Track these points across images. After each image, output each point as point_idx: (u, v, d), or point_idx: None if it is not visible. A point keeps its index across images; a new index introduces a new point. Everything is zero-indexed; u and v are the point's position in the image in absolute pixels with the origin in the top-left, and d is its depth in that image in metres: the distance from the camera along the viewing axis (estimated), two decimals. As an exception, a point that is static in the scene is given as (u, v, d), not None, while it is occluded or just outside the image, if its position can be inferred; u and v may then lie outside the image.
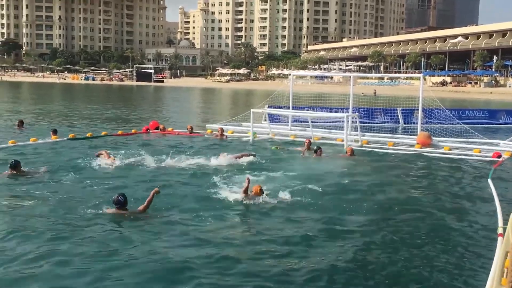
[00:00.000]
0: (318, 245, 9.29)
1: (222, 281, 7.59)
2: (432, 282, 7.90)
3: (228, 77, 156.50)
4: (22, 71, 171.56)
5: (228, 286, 7.51)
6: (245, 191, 11.87)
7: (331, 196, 12.83)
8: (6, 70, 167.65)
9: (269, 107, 29.26)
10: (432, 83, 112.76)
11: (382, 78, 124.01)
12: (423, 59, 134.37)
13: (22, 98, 66.93)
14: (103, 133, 24.25)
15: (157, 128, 26.23)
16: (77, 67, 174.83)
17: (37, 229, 9.59)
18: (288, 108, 28.60)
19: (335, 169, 16.57)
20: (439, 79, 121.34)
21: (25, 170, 14.43)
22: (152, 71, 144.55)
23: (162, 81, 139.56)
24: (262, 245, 9.06)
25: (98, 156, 16.52)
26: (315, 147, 18.71)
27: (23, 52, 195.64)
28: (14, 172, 14.08)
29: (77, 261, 8.15)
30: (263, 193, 11.94)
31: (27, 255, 8.32)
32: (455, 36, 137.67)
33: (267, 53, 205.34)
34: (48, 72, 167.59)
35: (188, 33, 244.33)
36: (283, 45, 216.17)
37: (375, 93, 68.66)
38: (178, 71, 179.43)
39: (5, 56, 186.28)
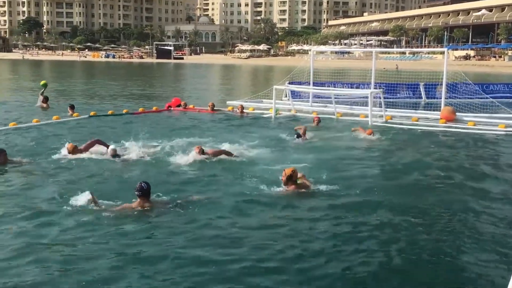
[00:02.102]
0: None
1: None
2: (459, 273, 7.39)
3: (247, 54, 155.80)
4: (43, 49, 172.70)
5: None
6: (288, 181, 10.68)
7: (358, 179, 12.41)
8: (28, 49, 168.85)
9: (289, 83, 29.03)
10: (455, 57, 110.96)
11: (404, 53, 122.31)
12: (445, 33, 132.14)
13: (45, 76, 67.42)
14: (124, 111, 24.34)
15: (179, 105, 26.27)
16: (97, 45, 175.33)
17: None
18: (309, 84, 28.38)
19: (357, 148, 16.42)
20: (462, 53, 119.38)
21: (13, 160, 13.31)
22: (171, 48, 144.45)
23: (182, 58, 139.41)
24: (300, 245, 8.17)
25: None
26: (296, 132, 17.25)
27: (44, 30, 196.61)
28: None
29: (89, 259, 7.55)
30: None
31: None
32: (478, 9, 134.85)
33: (287, 28, 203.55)
34: (69, 50, 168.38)
35: (207, 9, 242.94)
36: (303, 20, 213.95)
37: (397, 67, 67.79)
38: (198, 48, 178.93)
39: (26, 35, 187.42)
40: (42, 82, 25.41)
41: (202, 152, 13.50)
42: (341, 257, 7.74)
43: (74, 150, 13.76)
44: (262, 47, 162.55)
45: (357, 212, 9.70)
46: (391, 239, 8.46)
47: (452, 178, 12.61)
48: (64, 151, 13.91)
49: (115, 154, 13.47)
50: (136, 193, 9.43)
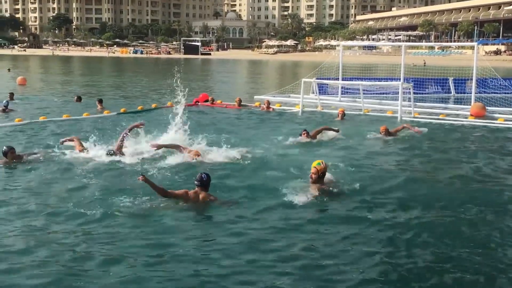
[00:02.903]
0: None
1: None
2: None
3: (275, 49, 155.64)
4: (73, 45, 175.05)
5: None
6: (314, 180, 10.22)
7: (383, 175, 12.30)
8: (58, 45, 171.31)
9: (317, 79, 28.94)
10: (485, 52, 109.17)
11: (433, 48, 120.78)
12: (476, 28, 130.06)
13: (75, 72, 68.36)
14: (153, 105, 24.56)
15: (206, 100, 26.43)
16: (125, 41, 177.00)
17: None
18: (337, 79, 28.24)
19: (382, 144, 16.28)
20: (493, 48, 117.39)
21: (21, 155, 13.02)
22: (199, 43, 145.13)
23: (209, 54, 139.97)
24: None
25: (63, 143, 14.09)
26: (302, 131, 16.30)
27: (74, 26, 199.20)
28: (7, 160, 12.64)
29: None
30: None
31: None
32: (510, 3, 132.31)
33: (314, 24, 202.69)
34: (98, 46, 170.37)
35: (235, 5, 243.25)
36: (331, 15, 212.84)
37: (424, 63, 67.02)
38: (225, 43, 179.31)
39: (56, 31, 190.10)
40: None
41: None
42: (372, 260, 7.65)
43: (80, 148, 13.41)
44: (289, 42, 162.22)
45: (383, 210, 9.58)
46: (420, 239, 8.37)
47: (482, 175, 12.45)
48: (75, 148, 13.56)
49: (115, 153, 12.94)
50: (195, 183, 9.58)
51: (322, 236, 8.30)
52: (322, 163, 10.26)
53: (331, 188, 10.28)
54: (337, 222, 8.94)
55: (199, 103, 26.06)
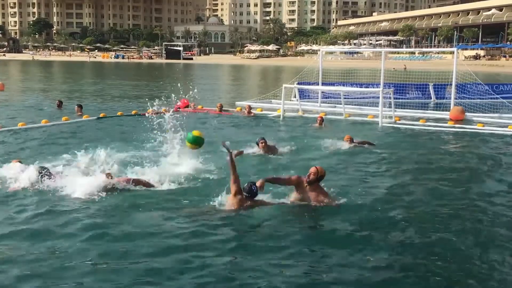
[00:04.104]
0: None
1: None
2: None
3: (257, 54, 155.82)
4: (53, 50, 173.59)
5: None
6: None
7: (364, 181, 12.36)
8: (38, 50, 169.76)
9: (298, 83, 28.99)
10: (465, 57, 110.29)
11: (414, 53, 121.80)
12: (455, 33, 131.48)
13: (55, 77, 67.76)
14: (133, 112, 24.41)
15: (187, 106, 26.30)
16: (107, 46, 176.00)
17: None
18: (318, 84, 28.32)
19: (362, 150, 16.27)
20: (472, 52, 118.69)
21: None
22: (181, 48, 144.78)
23: (191, 59, 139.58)
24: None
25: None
26: (257, 140, 14.73)
27: (54, 31, 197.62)
28: None
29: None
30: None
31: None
32: (488, 8, 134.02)
33: (296, 28, 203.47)
34: (78, 51, 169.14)
35: (217, 9, 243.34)
36: (312, 20, 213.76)
37: (405, 68, 67.53)
38: (207, 48, 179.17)
39: (37, 36, 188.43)
40: None
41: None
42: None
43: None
44: (271, 47, 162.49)
45: (368, 213, 9.62)
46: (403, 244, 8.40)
47: (460, 180, 12.53)
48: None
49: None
50: (244, 194, 9.46)
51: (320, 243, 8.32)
52: (323, 170, 10.01)
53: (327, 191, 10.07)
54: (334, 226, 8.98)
55: (180, 109, 25.91)
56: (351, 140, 16.05)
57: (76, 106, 24.22)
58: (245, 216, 9.24)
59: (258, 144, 14.49)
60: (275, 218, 9.23)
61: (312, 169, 9.85)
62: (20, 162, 12.04)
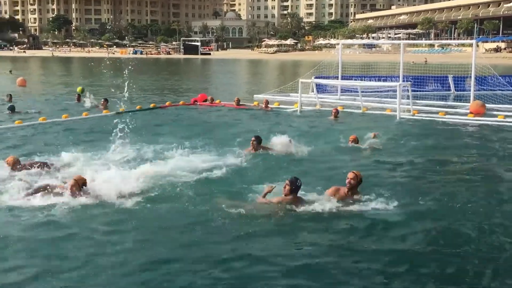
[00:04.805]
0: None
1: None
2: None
3: (274, 48, 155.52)
4: (73, 46, 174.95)
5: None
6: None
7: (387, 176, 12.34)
8: (57, 46, 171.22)
9: (316, 77, 28.90)
10: (485, 49, 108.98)
11: (433, 46, 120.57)
12: (475, 25, 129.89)
13: (75, 72, 68.36)
14: (151, 105, 24.55)
15: (205, 100, 26.42)
16: (125, 42, 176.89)
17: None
18: (336, 78, 28.21)
19: (381, 143, 16.16)
20: (493, 45, 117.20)
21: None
22: (198, 43, 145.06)
23: (209, 54, 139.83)
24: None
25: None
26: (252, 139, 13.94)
27: (73, 27, 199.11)
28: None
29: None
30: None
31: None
32: (509, 0, 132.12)
33: (313, 23, 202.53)
34: (97, 47, 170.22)
35: (234, 4, 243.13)
36: (330, 14, 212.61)
37: (425, 61, 66.93)
38: (225, 43, 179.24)
39: (56, 32, 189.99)
40: (79, 89, 25.29)
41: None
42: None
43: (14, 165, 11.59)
44: (289, 41, 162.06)
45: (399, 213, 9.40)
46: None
47: (480, 174, 12.40)
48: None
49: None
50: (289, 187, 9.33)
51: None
52: (359, 174, 9.97)
53: (366, 196, 9.86)
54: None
55: (197, 103, 26.04)
56: (356, 141, 15.23)
57: (102, 100, 24.49)
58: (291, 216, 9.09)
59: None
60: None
61: (350, 174, 9.80)
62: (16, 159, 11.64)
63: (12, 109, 22.21)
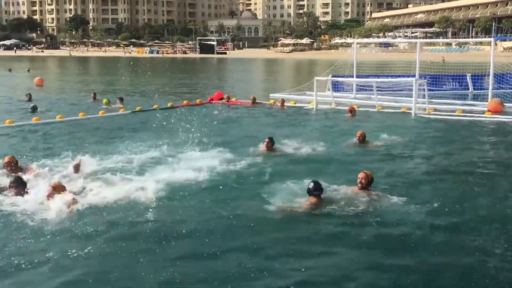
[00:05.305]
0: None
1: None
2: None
3: (290, 47, 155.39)
4: (90, 45, 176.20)
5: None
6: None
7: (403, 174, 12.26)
8: (75, 46, 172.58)
9: (332, 76, 28.84)
10: (504, 48, 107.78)
11: (450, 44, 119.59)
12: (494, 24, 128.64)
13: (91, 72, 68.86)
14: (169, 104, 24.66)
15: (221, 98, 26.51)
16: (141, 41, 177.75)
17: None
18: (352, 77, 28.13)
19: (397, 141, 16.07)
20: (511, 44, 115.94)
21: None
22: (214, 43, 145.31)
23: (225, 53, 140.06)
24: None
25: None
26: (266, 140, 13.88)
27: (90, 27, 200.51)
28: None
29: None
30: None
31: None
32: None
33: (330, 22, 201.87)
34: (114, 47, 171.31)
35: (250, 4, 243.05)
36: (346, 13, 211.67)
37: (443, 60, 66.39)
38: (241, 42, 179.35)
39: (73, 32, 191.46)
40: (105, 101, 25.31)
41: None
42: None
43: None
44: (305, 41, 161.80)
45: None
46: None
47: (497, 172, 12.31)
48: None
49: None
50: (314, 193, 9.25)
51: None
52: (370, 173, 10.07)
53: (380, 194, 9.88)
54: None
55: (213, 101, 26.13)
56: (363, 138, 14.99)
57: (117, 99, 24.77)
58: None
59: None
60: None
61: (361, 175, 9.90)
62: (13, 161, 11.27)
63: (34, 109, 22.61)
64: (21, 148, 14.19)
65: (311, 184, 9.31)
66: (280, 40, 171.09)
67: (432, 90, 26.33)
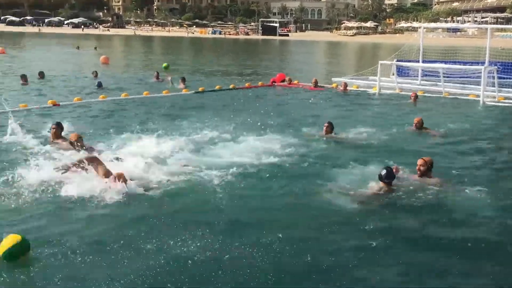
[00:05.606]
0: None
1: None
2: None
3: (354, 31, 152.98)
4: (154, 25, 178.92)
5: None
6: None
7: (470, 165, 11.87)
8: (139, 25, 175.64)
9: (397, 61, 28.19)
10: None
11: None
12: None
13: (156, 51, 70.01)
14: (231, 86, 24.78)
15: (283, 81, 26.44)
16: (204, 22, 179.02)
17: None
18: (418, 62, 27.41)
19: (464, 129, 15.59)
20: None
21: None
22: (277, 24, 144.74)
23: (287, 35, 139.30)
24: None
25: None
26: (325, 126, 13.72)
27: (155, 7, 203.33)
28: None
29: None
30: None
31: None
32: None
33: (395, 5, 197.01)
34: (177, 27, 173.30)
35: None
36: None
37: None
38: (303, 24, 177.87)
39: (138, 11, 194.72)
40: (164, 65, 25.79)
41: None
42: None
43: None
44: (369, 24, 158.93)
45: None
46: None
47: None
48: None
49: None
50: (385, 180, 9.11)
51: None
52: (429, 158, 9.84)
53: (440, 180, 9.63)
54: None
55: (275, 83, 26.08)
56: (421, 125, 14.66)
57: (180, 79, 25.10)
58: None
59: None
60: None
61: (420, 161, 9.71)
62: (79, 137, 11.45)
63: (99, 85, 23.59)
64: (88, 125, 14.58)
65: (384, 171, 9.14)
66: (344, 23, 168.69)
67: (503, 78, 25.29)
